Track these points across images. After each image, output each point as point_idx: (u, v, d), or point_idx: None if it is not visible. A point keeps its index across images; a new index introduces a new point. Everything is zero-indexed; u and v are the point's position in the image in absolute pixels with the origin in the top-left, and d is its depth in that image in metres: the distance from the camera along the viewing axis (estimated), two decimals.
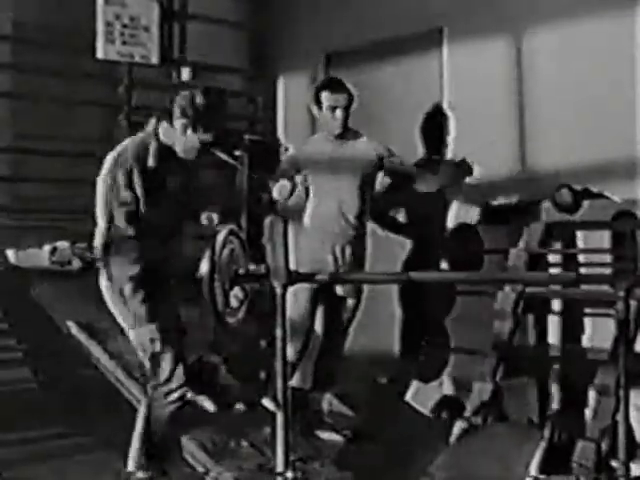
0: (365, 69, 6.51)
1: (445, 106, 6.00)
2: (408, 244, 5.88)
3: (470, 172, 5.38)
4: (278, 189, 4.80)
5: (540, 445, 3.84)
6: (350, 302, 4.95)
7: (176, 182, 3.89)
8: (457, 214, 5.75)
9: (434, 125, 5.99)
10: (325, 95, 4.85)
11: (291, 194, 4.79)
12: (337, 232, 4.82)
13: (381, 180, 5.12)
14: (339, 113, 4.82)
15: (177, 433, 4.06)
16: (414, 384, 5.26)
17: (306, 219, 4.86)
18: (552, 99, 5.23)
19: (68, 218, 5.28)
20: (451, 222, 5.79)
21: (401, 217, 5.93)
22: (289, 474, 3.19)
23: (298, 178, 4.87)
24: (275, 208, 4.94)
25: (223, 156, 5.73)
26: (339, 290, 4.87)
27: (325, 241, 4.82)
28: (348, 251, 4.84)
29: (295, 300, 4.59)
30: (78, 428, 5.02)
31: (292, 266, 3.34)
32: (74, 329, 5.18)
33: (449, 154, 5.90)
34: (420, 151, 6.04)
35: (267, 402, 4.09)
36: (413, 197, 5.59)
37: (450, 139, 5.95)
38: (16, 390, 5.41)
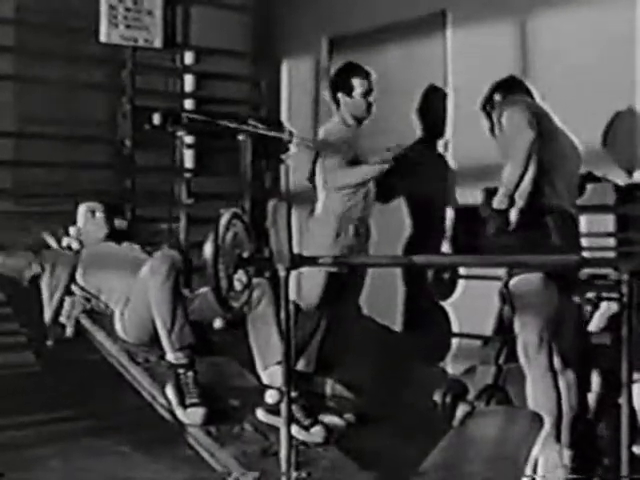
0: (368, 53, 6.49)
1: (443, 85, 6.00)
2: (408, 227, 5.91)
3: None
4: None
5: (543, 429, 3.83)
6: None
7: None
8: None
9: (430, 106, 5.99)
10: (357, 81, 4.90)
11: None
12: (351, 217, 4.87)
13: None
14: (372, 99, 4.91)
15: None
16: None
17: (319, 205, 4.90)
18: (556, 82, 5.21)
19: (71, 202, 5.27)
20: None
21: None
22: (293, 474, 3.16)
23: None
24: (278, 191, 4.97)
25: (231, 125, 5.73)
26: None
27: (338, 227, 4.86)
28: (359, 235, 4.89)
29: (309, 284, 4.64)
30: (82, 412, 5.03)
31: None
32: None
33: (448, 132, 5.91)
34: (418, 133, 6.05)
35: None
36: (415, 179, 5.60)
37: (448, 118, 5.95)
38: (20, 374, 5.42)
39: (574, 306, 4.34)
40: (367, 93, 4.93)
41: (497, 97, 4.48)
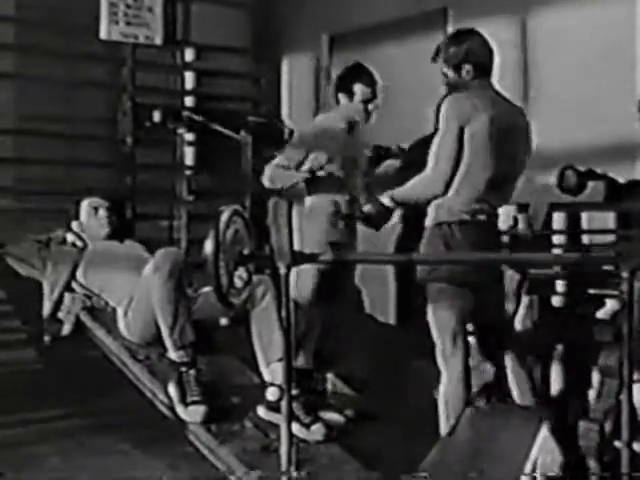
0: (369, 50, 6.49)
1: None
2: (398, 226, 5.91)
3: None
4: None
5: (543, 427, 3.84)
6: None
7: None
8: None
9: None
10: (359, 87, 4.82)
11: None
12: (340, 212, 4.86)
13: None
14: (372, 107, 4.82)
15: None
16: None
17: (311, 201, 4.88)
18: (556, 80, 5.22)
19: (71, 200, 5.27)
20: None
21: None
22: (293, 473, 3.15)
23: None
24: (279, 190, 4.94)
25: (226, 132, 5.72)
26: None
27: (330, 224, 4.85)
28: (349, 230, 4.89)
29: (299, 280, 4.62)
30: (82, 410, 5.04)
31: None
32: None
33: None
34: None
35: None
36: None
37: None
38: (21, 371, 5.43)
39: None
40: (368, 100, 4.84)
41: (467, 67, 4.21)
